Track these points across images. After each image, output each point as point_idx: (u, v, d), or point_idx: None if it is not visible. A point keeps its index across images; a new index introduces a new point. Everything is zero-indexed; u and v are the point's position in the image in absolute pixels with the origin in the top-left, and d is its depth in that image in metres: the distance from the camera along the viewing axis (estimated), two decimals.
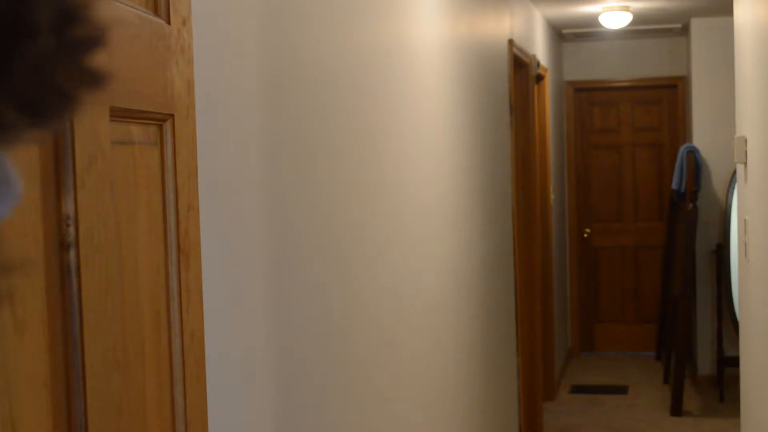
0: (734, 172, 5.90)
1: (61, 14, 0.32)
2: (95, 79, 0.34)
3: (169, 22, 1.26)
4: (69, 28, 0.33)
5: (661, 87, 8.03)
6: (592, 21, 6.89)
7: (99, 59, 0.34)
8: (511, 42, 4.98)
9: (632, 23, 6.73)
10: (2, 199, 0.33)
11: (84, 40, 0.33)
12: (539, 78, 6.36)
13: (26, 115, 0.32)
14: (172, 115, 1.26)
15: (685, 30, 7.44)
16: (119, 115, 1.12)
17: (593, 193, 8.24)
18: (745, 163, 3.57)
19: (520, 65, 5.47)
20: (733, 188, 6.17)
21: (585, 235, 8.21)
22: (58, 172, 0.97)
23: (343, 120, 2.22)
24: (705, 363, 7.06)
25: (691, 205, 6.53)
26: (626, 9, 6.32)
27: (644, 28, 7.29)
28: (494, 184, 4.46)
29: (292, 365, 1.86)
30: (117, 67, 1.09)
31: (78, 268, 0.99)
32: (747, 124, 3.54)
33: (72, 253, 0.98)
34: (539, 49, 6.35)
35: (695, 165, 6.79)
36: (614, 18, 6.42)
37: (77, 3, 0.33)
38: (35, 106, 0.33)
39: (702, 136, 7.02)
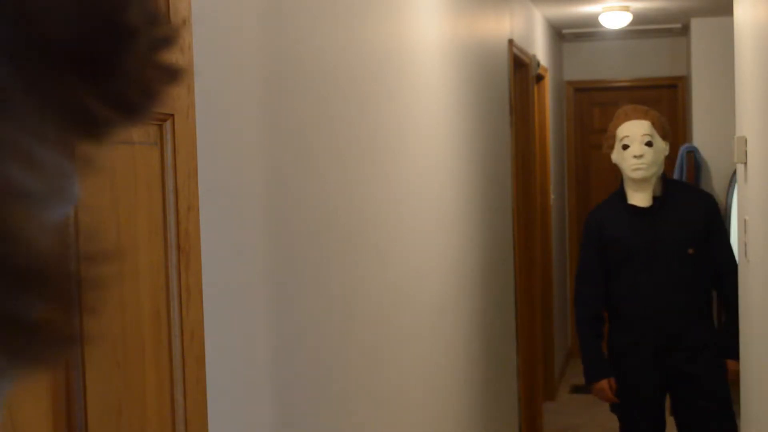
0: (734, 172, 5.90)
1: (147, 16, 0.35)
2: (173, 75, 0.38)
3: (169, 22, 1.26)
4: (154, 30, 0.36)
5: (661, 87, 8.03)
6: (592, 21, 6.89)
7: (173, 56, 0.37)
8: (511, 42, 4.98)
9: (632, 23, 6.73)
10: (62, 198, 0.35)
11: (164, 39, 0.37)
12: (539, 78, 6.36)
13: (118, 112, 0.35)
14: (172, 115, 1.26)
15: (685, 30, 7.44)
16: None
17: (593, 193, 8.24)
18: (745, 163, 3.57)
19: (520, 65, 5.47)
20: (733, 188, 6.17)
21: None
22: None
23: (344, 120, 2.22)
24: None
25: None
26: (626, 9, 6.32)
27: (644, 28, 7.29)
28: (494, 184, 4.46)
29: (292, 365, 1.86)
30: None
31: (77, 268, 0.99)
32: (747, 124, 3.54)
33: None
34: (539, 49, 6.35)
35: (695, 165, 6.79)
36: (614, 18, 6.42)
37: (156, 5, 0.35)
38: (126, 103, 0.36)
39: (702, 136, 7.02)
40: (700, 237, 3.94)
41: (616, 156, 3.99)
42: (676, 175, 6.89)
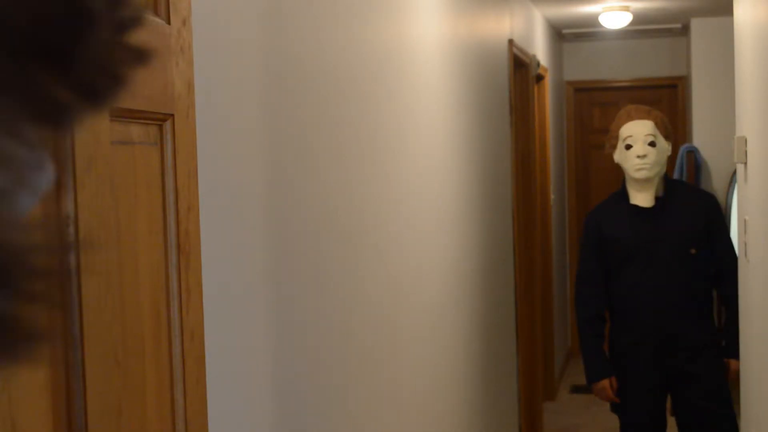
0: (734, 172, 5.90)
1: (110, 0, 0.35)
2: (141, 58, 0.37)
3: (169, 22, 1.26)
4: (117, 12, 0.35)
5: (661, 87, 8.03)
6: (592, 21, 6.89)
7: (139, 37, 0.37)
8: (511, 42, 4.98)
9: (632, 23, 6.73)
10: (30, 190, 0.35)
11: (128, 21, 0.36)
12: (539, 78, 6.36)
13: (84, 98, 0.35)
14: (172, 115, 1.26)
15: (685, 30, 7.45)
16: (119, 115, 1.12)
17: (593, 193, 8.24)
18: (745, 163, 3.57)
19: (520, 65, 5.47)
20: (733, 188, 6.17)
21: None
22: (58, 172, 0.97)
23: (344, 119, 2.22)
24: None
25: None
26: (626, 9, 6.32)
27: (644, 28, 7.29)
28: (494, 184, 4.46)
29: (291, 365, 1.86)
30: None
31: (78, 268, 0.99)
32: (747, 124, 3.54)
33: (72, 254, 0.98)
34: (539, 49, 6.35)
35: (695, 165, 6.80)
36: (614, 18, 6.42)
37: None
38: (91, 88, 0.35)
39: (702, 136, 7.02)
40: (701, 237, 3.95)
41: (619, 156, 4.00)
42: (676, 175, 6.89)
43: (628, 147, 3.94)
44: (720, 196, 6.95)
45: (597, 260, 4.03)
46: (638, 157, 3.90)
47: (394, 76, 2.70)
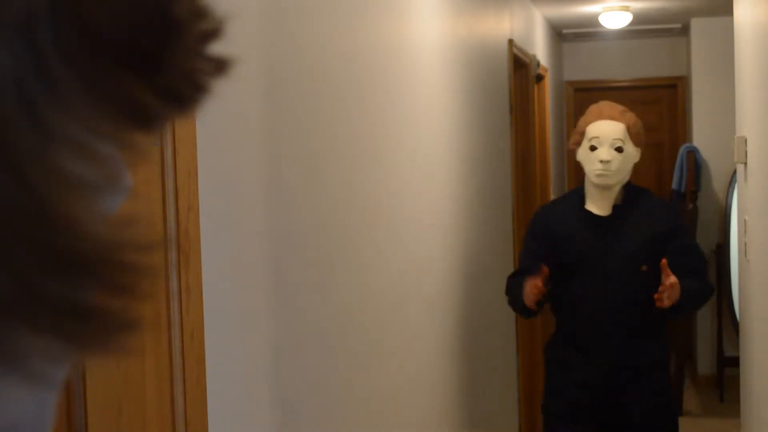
0: (734, 172, 5.90)
1: (195, 10, 0.37)
2: (221, 67, 0.39)
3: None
4: (200, 23, 0.37)
5: (661, 87, 8.03)
6: (592, 21, 6.89)
7: (220, 48, 0.39)
8: (511, 42, 4.98)
9: (632, 23, 6.73)
10: (113, 192, 0.36)
11: (211, 32, 0.38)
12: (539, 78, 6.36)
13: (169, 104, 0.37)
14: None
15: (685, 30, 7.45)
16: None
17: None
18: (745, 163, 3.57)
19: (520, 65, 5.47)
20: (733, 188, 6.17)
21: None
22: None
23: (344, 119, 2.22)
24: (705, 363, 7.06)
25: (691, 205, 6.53)
26: (626, 9, 6.32)
27: (644, 28, 7.29)
28: (494, 183, 4.46)
29: (291, 365, 1.86)
30: None
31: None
32: (747, 124, 3.55)
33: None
34: (539, 49, 6.35)
35: (695, 165, 6.80)
36: (614, 18, 6.42)
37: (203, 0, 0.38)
38: (176, 95, 0.37)
39: (702, 136, 7.02)
40: (656, 252, 3.42)
41: (582, 155, 3.56)
42: (676, 175, 6.89)
43: (593, 148, 3.51)
44: (720, 196, 6.95)
45: (535, 259, 3.51)
46: (601, 161, 3.47)
47: (394, 76, 2.70)
